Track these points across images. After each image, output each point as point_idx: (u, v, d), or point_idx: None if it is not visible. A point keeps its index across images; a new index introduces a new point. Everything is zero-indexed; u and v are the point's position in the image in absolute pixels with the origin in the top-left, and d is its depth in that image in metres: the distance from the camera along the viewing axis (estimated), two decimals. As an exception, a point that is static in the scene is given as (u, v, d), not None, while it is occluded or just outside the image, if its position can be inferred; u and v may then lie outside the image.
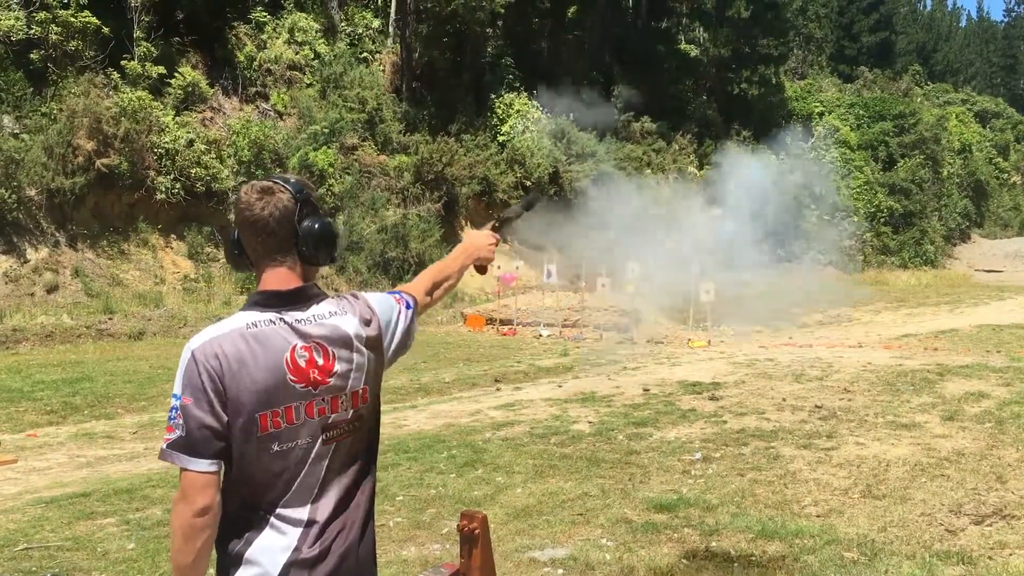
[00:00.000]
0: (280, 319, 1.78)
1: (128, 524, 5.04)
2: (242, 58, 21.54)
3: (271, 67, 22.07)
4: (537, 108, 25.09)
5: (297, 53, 22.64)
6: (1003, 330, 15.38)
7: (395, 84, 24.35)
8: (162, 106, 18.20)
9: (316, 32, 23.40)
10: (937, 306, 21.37)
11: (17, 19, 16.59)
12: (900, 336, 15.08)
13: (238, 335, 1.75)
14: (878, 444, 6.52)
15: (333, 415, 1.80)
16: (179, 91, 19.02)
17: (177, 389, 1.73)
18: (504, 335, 15.91)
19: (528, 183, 23.32)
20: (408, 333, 1.97)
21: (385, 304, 1.94)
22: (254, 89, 21.59)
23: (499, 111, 24.91)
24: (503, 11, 25.07)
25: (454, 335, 15.85)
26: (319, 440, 1.79)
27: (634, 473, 5.94)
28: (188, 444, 1.70)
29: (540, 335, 15.79)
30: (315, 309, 1.82)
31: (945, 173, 37.82)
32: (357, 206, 20.51)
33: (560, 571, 4.19)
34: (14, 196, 15.31)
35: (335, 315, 1.83)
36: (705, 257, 16.15)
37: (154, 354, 12.08)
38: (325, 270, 19.07)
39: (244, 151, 18.93)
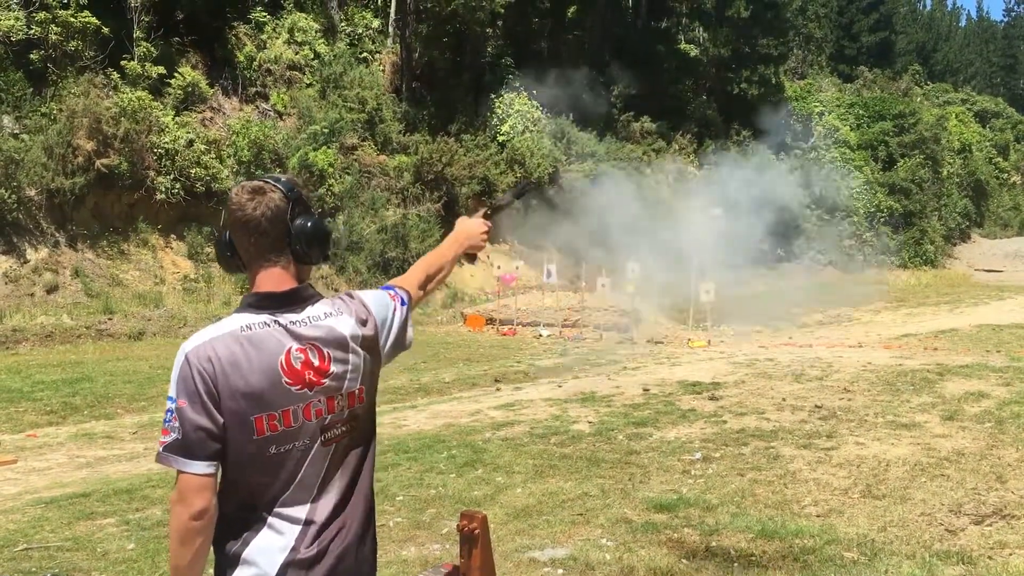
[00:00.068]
0: (275, 321, 1.77)
1: (128, 524, 5.04)
2: (242, 58, 21.55)
3: (271, 67, 22.07)
4: (537, 108, 25.09)
5: (297, 53, 22.65)
6: (1003, 330, 15.38)
7: (395, 84, 24.35)
8: (162, 106, 18.20)
9: (316, 32, 23.41)
10: (937, 306, 21.37)
11: (17, 19, 16.59)
12: (900, 336, 15.08)
13: (232, 338, 1.74)
14: (878, 444, 6.52)
15: (330, 416, 1.79)
16: (179, 91, 19.03)
17: (172, 392, 1.72)
18: (504, 335, 15.91)
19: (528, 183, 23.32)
20: (404, 330, 1.96)
21: (381, 303, 1.93)
22: (254, 89, 21.59)
23: (499, 111, 24.91)
24: (503, 11, 25.08)
25: (454, 335, 15.85)
26: (317, 442, 1.78)
27: (634, 473, 5.94)
28: (184, 446, 1.69)
29: (540, 335, 15.79)
30: (310, 310, 1.81)
31: (945, 173, 37.83)
32: (357, 206, 20.52)
33: (560, 571, 4.19)
34: (14, 196, 15.32)
35: (330, 316, 1.82)
36: (705, 256, 16.14)
37: (154, 354, 12.08)
38: (325, 270, 19.09)
39: (244, 151, 18.93)
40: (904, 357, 11.39)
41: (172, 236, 17.85)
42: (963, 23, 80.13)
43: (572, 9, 29.76)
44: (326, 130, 20.40)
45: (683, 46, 33.38)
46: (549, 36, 28.56)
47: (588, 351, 13.53)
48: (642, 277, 16.54)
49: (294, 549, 1.75)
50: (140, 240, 17.30)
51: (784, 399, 8.44)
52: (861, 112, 37.44)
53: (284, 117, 21.55)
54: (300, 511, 1.77)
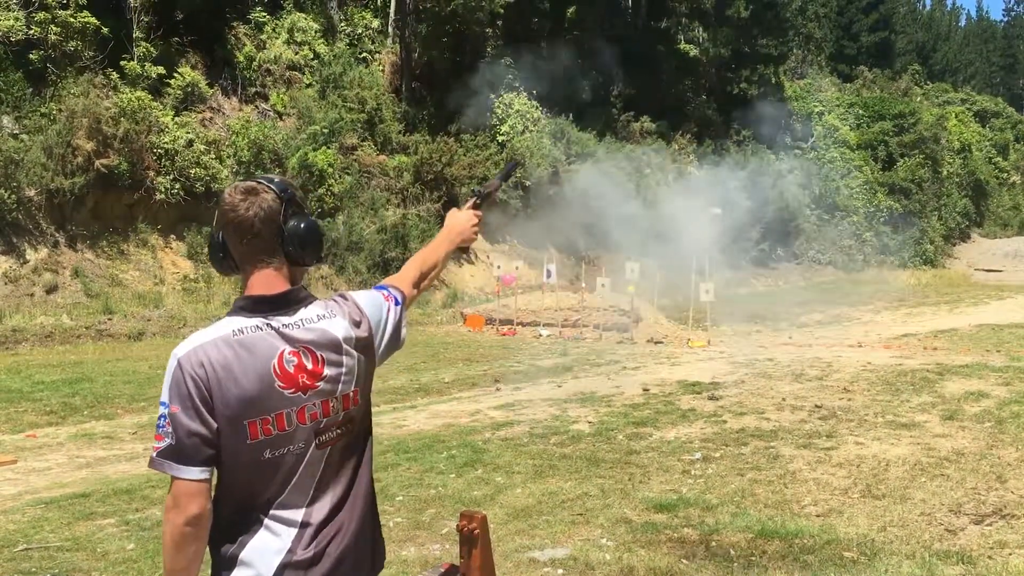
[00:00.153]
0: (267, 324, 1.75)
1: (128, 524, 5.04)
2: (241, 58, 21.55)
3: (270, 67, 22.07)
4: (537, 108, 25.09)
5: (296, 53, 22.65)
6: (1003, 330, 15.38)
7: (395, 84, 24.35)
8: (161, 106, 18.19)
9: (315, 32, 23.41)
10: (937, 306, 21.38)
11: (16, 19, 16.58)
12: (900, 336, 15.08)
13: (224, 342, 1.72)
14: (878, 444, 6.52)
15: (325, 419, 1.78)
16: (178, 91, 19.02)
17: (165, 397, 1.71)
18: (504, 335, 15.91)
19: (527, 183, 23.33)
20: (398, 330, 1.94)
21: (374, 304, 1.91)
22: (253, 89, 21.59)
23: (499, 111, 24.92)
24: (503, 11, 25.07)
25: (454, 335, 15.85)
26: (312, 445, 1.77)
27: (634, 473, 5.94)
28: (178, 452, 1.68)
29: (540, 335, 15.79)
30: (303, 313, 1.79)
31: (945, 173, 37.84)
32: (357, 206, 20.52)
33: (560, 571, 4.19)
34: (13, 196, 15.31)
35: (323, 318, 1.80)
36: (704, 256, 16.14)
37: (154, 354, 12.08)
38: (325, 270, 19.09)
39: (243, 151, 18.93)
40: (904, 357, 11.39)
41: (172, 236, 17.85)
42: (963, 23, 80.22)
43: (572, 9, 29.77)
44: (326, 130, 20.40)
45: (683, 46, 33.39)
46: (549, 36, 28.55)
47: (588, 351, 13.53)
48: (642, 277, 16.53)
49: (290, 551, 1.74)
50: (140, 240, 17.30)
51: (784, 399, 8.44)
52: (861, 112, 37.46)
53: (284, 117, 21.54)
54: (296, 514, 1.76)
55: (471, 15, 23.69)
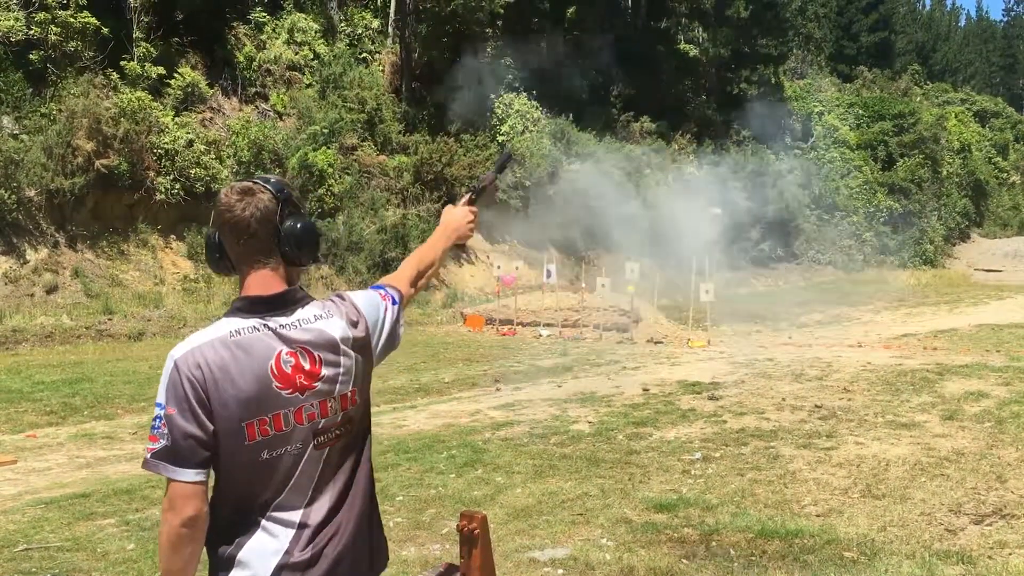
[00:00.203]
0: (264, 325, 1.75)
1: (128, 525, 5.04)
2: (241, 58, 21.54)
3: (270, 67, 22.07)
4: (537, 108, 25.09)
5: (296, 53, 22.65)
6: (1003, 330, 15.39)
7: (395, 84, 24.35)
8: (161, 107, 18.19)
9: (315, 32, 23.41)
10: (936, 306, 21.38)
11: (16, 20, 16.58)
12: (900, 336, 15.08)
13: (221, 343, 1.72)
14: (878, 444, 6.52)
15: (323, 420, 1.78)
16: (178, 92, 19.02)
17: (160, 398, 1.71)
18: (504, 335, 15.91)
19: (527, 183, 23.33)
20: (395, 329, 1.94)
21: (371, 303, 1.91)
22: (253, 89, 21.58)
23: (499, 111, 24.92)
24: (503, 11, 25.07)
25: (454, 335, 15.85)
26: (310, 445, 1.77)
27: (634, 473, 5.95)
28: (173, 454, 1.68)
29: (540, 335, 15.80)
30: (300, 313, 1.79)
31: (944, 173, 37.84)
32: (357, 206, 20.52)
33: (560, 571, 4.19)
34: (13, 197, 15.31)
35: (320, 319, 1.80)
36: (704, 256, 16.15)
37: (154, 355, 12.08)
38: (325, 270, 19.09)
39: (244, 151, 18.93)
40: (904, 357, 11.39)
41: (172, 236, 17.85)
42: (962, 23, 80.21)
43: (572, 9, 29.77)
44: (326, 130, 20.40)
45: (683, 46, 33.40)
46: (549, 36, 28.55)
47: (588, 351, 13.53)
48: (642, 277, 16.54)
49: (288, 552, 1.74)
50: (140, 240, 17.30)
51: (784, 399, 8.44)
52: (860, 112, 37.46)
53: (284, 117, 21.54)
54: (294, 515, 1.76)
55: (471, 15, 23.69)
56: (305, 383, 1.76)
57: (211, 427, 1.70)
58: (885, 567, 4.13)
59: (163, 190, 17.23)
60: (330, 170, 19.95)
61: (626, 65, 29.45)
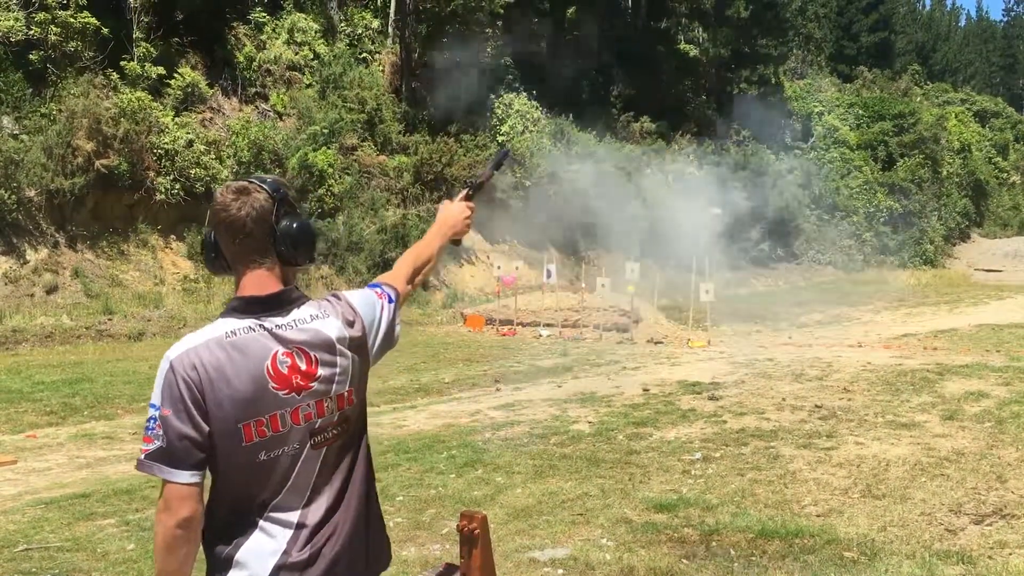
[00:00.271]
0: (259, 325, 1.75)
1: (128, 525, 5.04)
2: (241, 58, 21.54)
3: (270, 67, 22.07)
4: (537, 108, 25.09)
5: (296, 53, 22.64)
6: (1003, 330, 15.39)
7: (395, 84, 24.35)
8: (161, 107, 18.19)
9: (315, 32, 23.40)
10: (937, 306, 21.38)
11: (16, 20, 16.57)
12: (900, 336, 15.08)
13: (216, 344, 1.72)
14: (878, 444, 6.52)
15: (320, 420, 1.77)
16: (178, 92, 19.02)
17: (156, 399, 1.71)
18: (504, 335, 15.91)
19: (528, 183, 23.34)
20: (392, 328, 1.93)
21: (367, 303, 1.90)
22: (253, 89, 21.58)
23: (499, 111, 24.92)
24: (503, 11, 25.07)
25: (454, 335, 15.85)
26: (307, 445, 1.76)
27: (634, 473, 5.94)
28: (168, 455, 1.68)
29: (540, 335, 15.79)
30: (296, 313, 1.79)
31: (944, 173, 37.84)
32: (357, 206, 20.52)
33: (560, 571, 4.19)
34: (13, 197, 15.31)
35: (316, 319, 1.80)
36: (704, 256, 16.15)
37: (154, 355, 12.07)
38: (325, 270, 19.09)
39: (244, 152, 18.93)
40: (904, 357, 11.39)
41: (172, 237, 17.84)
42: (962, 23, 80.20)
43: (572, 9, 29.77)
44: (326, 130, 20.40)
45: (683, 46, 33.40)
46: (549, 36, 28.56)
47: (588, 351, 13.53)
48: (642, 277, 16.54)
49: (285, 552, 1.74)
50: (140, 241, 17.30)
51: (784, 399, 8.44)
52: (861, 112, 37.46)
53: (284, 117, 21.54)
54: (292, 515, 1.76)
55: (471, 15, 23.69)
56: (301, 383, 1.75)
57: (206, 428, 1.69)
58: (885, 567, 4.13)
59: (163, 190, 17.23)
60: (330, 170, 19.95)
61: (626, 65, 29.45)
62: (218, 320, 1.78)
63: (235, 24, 22.25)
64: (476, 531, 2.22)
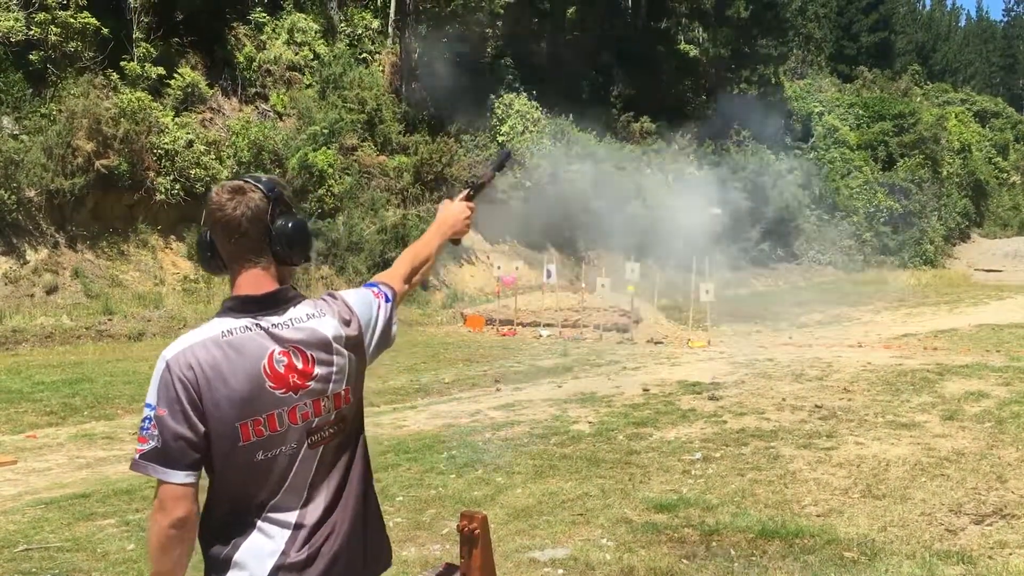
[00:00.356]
0: (256, 325, 1.75)
1: (128, 525, 5.04)
2: (241, 59, 21.54)
3: (270, 68, 22.06)
4: (537, 108, 25.10)
5: (296, 54, 22.64)
6: (1003, 330, 15.39)
7: (395, 84, 24.34)
8: (161, 107, 18.19)
9: (315, 33, 23.40)
10: (937, 306, 21.37)
11: (16, 20, 16.57)
12: (900, 336, 15.08)
13: (213, 343, 1.71)
14: (878, 444, 6.52)
15: (317, 419, 1.77)
16: (178, 92, 19.02)
17: (151, 399, 1.70)
18: (504, 335, 15.91)
19: (528, 183, 23.33)
20: (388, 327, 1.93)
21: (364, 302, 1.90)
22: (253, 90, 21.58)
23: (499, 111, 24.92)
24: (503, 11, 25.07)
25: (454, 335, 15.85)
26: (304, 445, 1.76)
27: (634, 473, 5.94)
28: (163, 455, 1.68)
29: (540, 335, 15.79)
30: (292, 312, 1.78)
31: (944, 173, 37.85)
32: (357, 207, 20.52)
33: (560, 571, 4.19)
34: (13, 197, 15.31)
35: (313, 318, 1.79)
36: (704, 256, 16.16)
37: (154, 355, 11.95)
38: (325, 270, 19.09)
39: (244, 152, 18.93)
40: (904, 357, 11.39)
41: (172, 237, 17.84)
42: (962, 23, 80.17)
43: (572, 9, 29.76)
44: (326, 131, 20.40)
45: (683, 46, 33.38)
46: (549, 36, 28.56)
47: (588, 351, 13.53)
48: (642, 277, 16.54)
49: (284, 553, 1.73)
50: (140, 241, 17.30)
51: (784, 399, 8.44)
52: (861, 112, 37.47)
53: (284, 118, 21.54)
54: (290, 515, 1.76)
55: (471, 15, 23.69)
56: (298, 382, 1.75)
57: (202, 429, 1.69)
58: (885, 567, 4.13)
59: (163, 190, 17.23)
60: (330, 170, 19.95)
61: (626, 65, 29.45)
62: (214, 319, 1.77)
63: (235, 24, 22.25)
64: (476, 531, 2.23)
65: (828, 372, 10.13)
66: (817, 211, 32.83)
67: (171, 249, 17.77)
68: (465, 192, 2.26)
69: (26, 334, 13.42)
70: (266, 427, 1.72)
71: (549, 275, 17.13)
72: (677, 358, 12.48)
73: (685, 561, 4.27)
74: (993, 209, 43.50)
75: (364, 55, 24.35)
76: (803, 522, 4.80)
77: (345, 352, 1.81)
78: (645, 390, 9.33)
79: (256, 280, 1.79)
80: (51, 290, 15.32)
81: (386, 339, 1.93)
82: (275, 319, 1.77)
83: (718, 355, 12.65)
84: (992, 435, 6.66)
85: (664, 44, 32.20)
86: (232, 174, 18.26)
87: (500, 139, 24.34)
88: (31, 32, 16.74)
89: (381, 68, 24.43)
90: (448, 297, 20.30)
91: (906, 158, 35.99)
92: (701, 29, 33.97)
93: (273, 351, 1.74)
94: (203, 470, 1.75)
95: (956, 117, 42.71)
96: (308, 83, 22.43)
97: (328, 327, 1.80)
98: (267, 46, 22.34)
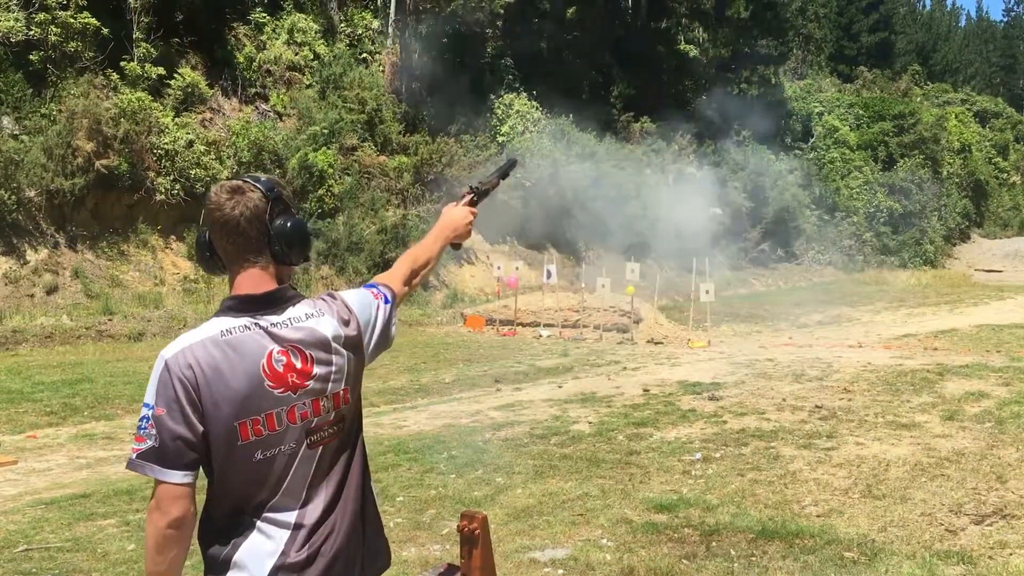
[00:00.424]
0: (255, 324, 1.75)
1: (128, 525, 5.04)
2: (241, 59, 21.55)
3: (270, 68, 22.07)
4: (536, 108, 25.10)
5: (296, 54, 22.64)
6: (1003, 330, 15.38)
7: (395, 85, 24.34)
8: (161, 107, 18.19)
9: (315, 33, 23.40)
10: (937, 306, 21.36)
11: (16, 20, 16.58)
12: (900, 336, 15.08)
13: (212, 343, 1.71)
14: (878, 444, 6.52)
15: (316, 419, 1.77)
16: (178, 92, 19.02)
17: (149, 398, 1.70)
18: (504, 336, 15.91)
19: (528, 183, 23.33)
20: (387, 328, 1.93)
21: (363, 302, 1.90)
22: (253, 90, 21.58)
23: (499, 111, 24.92)
24: (503, 11, 25.07)
25: (454, 335, 15.85)
26: (303, 445, 1.76)
27: (634, 473, 5.94)
28: (161, 455, 1.67)
29: (540, 335, 15.79)
30: (291, 312, 1.79)
31: (945, 173, 37.84)
32: (357, 207, 20.52)
33: (560, 571, 4.19)
34: (13, 197, 15.31)
35: (312, 317, 1.80)
36: (704, 257, 16.16)
37: (154, 355, 11.94)
38: (325, 271, 19.09)
39: (244, 152, 18.93)
40: (904, 357, 11.39)
41: (172, 237, 17.85)
42: (962, 23, 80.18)
43: (572, 9, 29.75)
44: (326, 131, 20.40)
45: (683, 46, 33.38)
46: (549, 36, 28.54)
47: (588, 351, 13.53)
48: (642, 277, 16.54)
49: (284, 553, 1.73)
50: (140, 241, 17.30)
51: (784, 399, 8.44)
52: (861, 112, 37.46)
53: (284, 118, 21.54)
54: (289, 516, 1.76)
55: (471, 15, 23.69)
56: (297, 382, 1.75)
57: (201, 429, 1.69)
58: (885, 567, 4.13)
59: (163, 190, 17.23)
60: (330, 170, 19.95)
61: (626, 65, 29.44)
62: (213, 319, 1.77)
63: (235, 24, 22.25)
64: (476, 531, 2.23)
65: (828, 372, 10.13)
66: (817, 211, 32.83)
67: (171, 249, 17.77)
68: (468, 197, 2.26)
69: (26, 334, 13.42)
70: (265, 427, 1.72)
71: (549, 275, 17.13)
72: (677, 358, 12.48)
73: (685, 561, 4.27)
74: (993, 209, 43.49)
75: (364, 55, 24.35)
76: (803, 522, 4.80)
77: (344, 352, 1.82)
78: (645, 390, 9.33)
79: (255, 280, 1.79)
80: (51, 290, 15.32)
81: (385, 340, 1.93)
82: (274, 318, 1.77)
83: (718, 355, 12.65)
84: (992, 435, 6.66)
85: (664, 44, 32.19)
86: (232, 174, 18.26)
87: (500, 139, 24.35)
88: (31, 32, 16.75)
89: (381, 68, 24.43)
90: (448, 297, 20.30)
91: (906, 158, 35.98)
92: (701, 29, 33.96)
93: (272, 350, 1.74)
94: (201, 470, 1.74)
95: (956, 117, 42.70)
96: (308, 83, 22.43)
97: (327, 327, 1.80)
98: (267, 46, 22.35)
